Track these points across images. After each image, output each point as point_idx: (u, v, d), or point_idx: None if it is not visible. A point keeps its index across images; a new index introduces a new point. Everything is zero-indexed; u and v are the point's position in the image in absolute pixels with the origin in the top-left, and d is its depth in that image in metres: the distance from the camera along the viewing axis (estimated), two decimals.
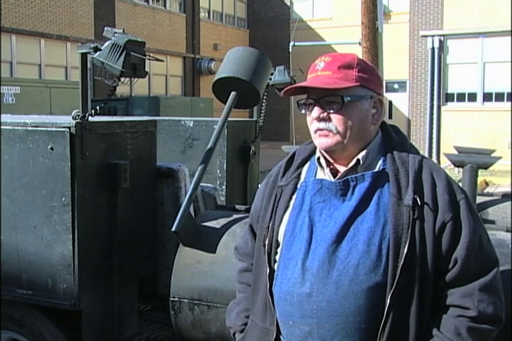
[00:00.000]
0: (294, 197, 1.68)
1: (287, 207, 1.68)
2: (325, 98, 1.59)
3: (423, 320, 1.55)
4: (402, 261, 1.50)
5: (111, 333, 2.93)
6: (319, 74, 1.61)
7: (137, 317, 3.16)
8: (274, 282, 1.66)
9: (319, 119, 1.60)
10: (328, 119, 1.59)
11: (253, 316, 1.76)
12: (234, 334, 1.88)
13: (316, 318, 1.54)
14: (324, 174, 1.65)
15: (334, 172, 1.64)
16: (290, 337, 1.61)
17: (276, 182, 1.75)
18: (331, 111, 1.59)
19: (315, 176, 1.68)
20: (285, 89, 1.66)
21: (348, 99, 1.58)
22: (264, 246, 1.69)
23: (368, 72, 1.62)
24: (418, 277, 1.52)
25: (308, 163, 1.74)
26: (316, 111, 1.60)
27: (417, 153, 1.65)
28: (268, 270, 1.67)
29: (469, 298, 1.53)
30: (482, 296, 1.53)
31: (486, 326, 1.53)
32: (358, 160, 1.61)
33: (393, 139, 1.67)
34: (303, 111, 1.66)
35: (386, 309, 1.50)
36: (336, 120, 1.58)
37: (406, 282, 1.50)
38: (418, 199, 1.53)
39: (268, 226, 1.70)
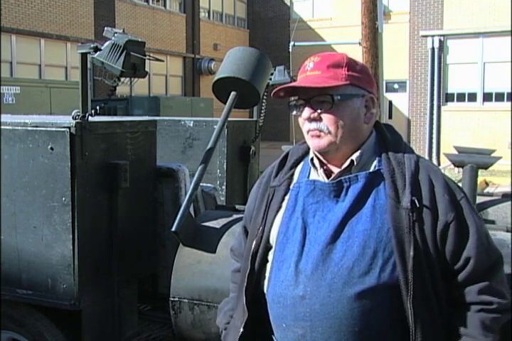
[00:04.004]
0: (286, 198, 1.66)
1: (279, 208, 1.66)
2: (315, 98, 1.57)
3: (444, 321, 1.55)
4: (410, 264, 1.48)
5: (111, 333, 2.93)
6: (309, 74, 1.60)
7: (137, 317, 3.16)
8: (267, 284, 1.64)
9: (310, 120, 1.59)
10: (319, 119, 1.58)
11: (235, 314, 1.75)
12: (221, 331, 1.87)
13: (309, 321, 1.52)
14: (318, 175, 1.64)
15: (328, 173, 1.63)
16: (283, 340, 1.60)
17: (269, 183, 1.73)
18: (322, 111, 1.57)
19: (308, 177, 1.66)
20: (274, 91, 1.64)
21: (338, 97, 1.56)
22: (252, 246, 1.68)
23: (358, 71, 1.61)
24: (429, 278, 1.52)
25: (301, 164, 1.72)
26: (307, 111, 1.59)
27: (413, 153, 1.64)
28: (249, 270, 1.66)
29: (487, 294, 1.54)
30: (498, 290, 1.55)
31: (505, 315, 1.56)
32: (352, 160, 1.59)
33: (388, 139, 1.65)
34: (294, 113, 1.64)
35: (412, 317, 1.49)
36: (327, 120, 1.57)
37: (420, 284, 1.50)
38: (416, 201, 1.52)
39: (259, 228, 1.68)
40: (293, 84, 1.61)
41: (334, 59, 1.60)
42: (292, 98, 1.68)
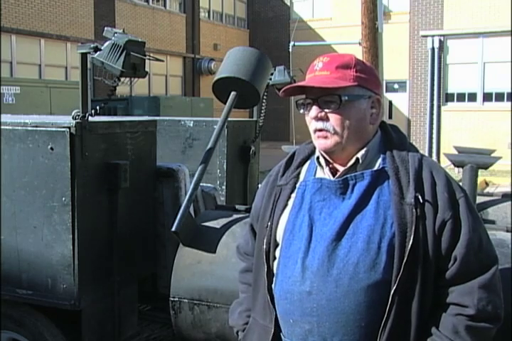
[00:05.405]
0: (292, 196, 1.69)
1: (286, 206, 1.69)
2: (323, 97, 1.60)
3: (424, 318, 1.55)
4: (405, 259, 1.50)
5: (111, 333, 2.93)
6: (317, 74, 1.62)
7: (137, 317, 3.16)
8: (274, 281, 1.66)
9: (317, 119, 1.61)
10: (326, 119, 1.60)
11: (254, 314, 1.77)
12: (237, 332, 1.89)
13: (316, 316, 1.55)
14: (324, 173, 1.66)
15: (333, 172, 1.65)
16: (291, 335, 1.62)
17: (276, 182, 1.76)
18: (329, 111, 1.60)
19: (314, 175, 1.69)
20: (283, 89, 1.67)
21: (346, 98, 1.58)
22: (264, 244, 1.70)
23: (365, 72, 1.64)
24: (420, 275, 1.53)
25: (307, 163, 1.75)
26: (314, 110, 1.61)
27: (417, 151, 1.66)
28: (266, 268, 1.68)
29: (468, 296, 1.53)
30: (481, 294, 1.53)
31: (484, 324, 1.53)
32: (357, 159, 1.62)
33: (392, 138, 1.67)
34: (301, 111, 1.67)
35: (388, 306, 1.51)
36: (334, 119, 1.60)
37: (408, 279, 1.51)
38: (420, 197, 1.54)
39: (267, 225, 1.71)
40: (302, 83, 1.64)
41: (343, 60, 1.63)
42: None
